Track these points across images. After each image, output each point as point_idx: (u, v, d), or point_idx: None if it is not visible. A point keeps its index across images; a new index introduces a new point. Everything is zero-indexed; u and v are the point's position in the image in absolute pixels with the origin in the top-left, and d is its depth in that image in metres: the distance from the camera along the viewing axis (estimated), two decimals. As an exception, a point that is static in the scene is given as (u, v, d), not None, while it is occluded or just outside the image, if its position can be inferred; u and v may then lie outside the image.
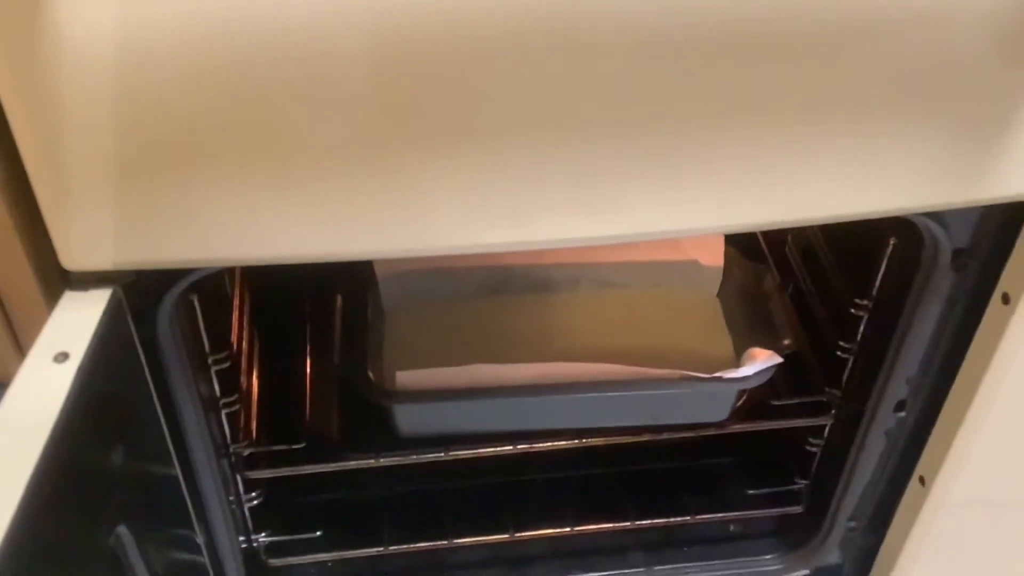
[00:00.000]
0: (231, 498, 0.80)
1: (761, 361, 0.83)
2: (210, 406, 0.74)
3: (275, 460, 0.85)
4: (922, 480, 0.83)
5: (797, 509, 0.95)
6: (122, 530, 0.56)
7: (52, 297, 0.57)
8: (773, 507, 0.95)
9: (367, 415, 0.84)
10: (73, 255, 0.56)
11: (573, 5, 0.50)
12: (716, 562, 0.95)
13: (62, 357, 0.52)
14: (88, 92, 0.50)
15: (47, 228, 0.55)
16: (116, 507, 0.57)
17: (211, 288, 0.79)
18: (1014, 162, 0.60)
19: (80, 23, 0.48)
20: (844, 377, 0.85)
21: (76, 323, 0.55)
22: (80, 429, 0.50)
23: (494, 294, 0.96)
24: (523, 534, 0.93)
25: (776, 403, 0.89)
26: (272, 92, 0.51)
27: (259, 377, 0.94)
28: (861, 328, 0.82)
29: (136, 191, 0.54)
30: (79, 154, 0.52)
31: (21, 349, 0.60)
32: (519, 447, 0.88)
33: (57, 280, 0.57)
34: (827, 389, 0.88)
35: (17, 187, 0.54)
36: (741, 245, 0.98)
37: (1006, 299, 0.70)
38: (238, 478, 0.82)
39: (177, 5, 0.48)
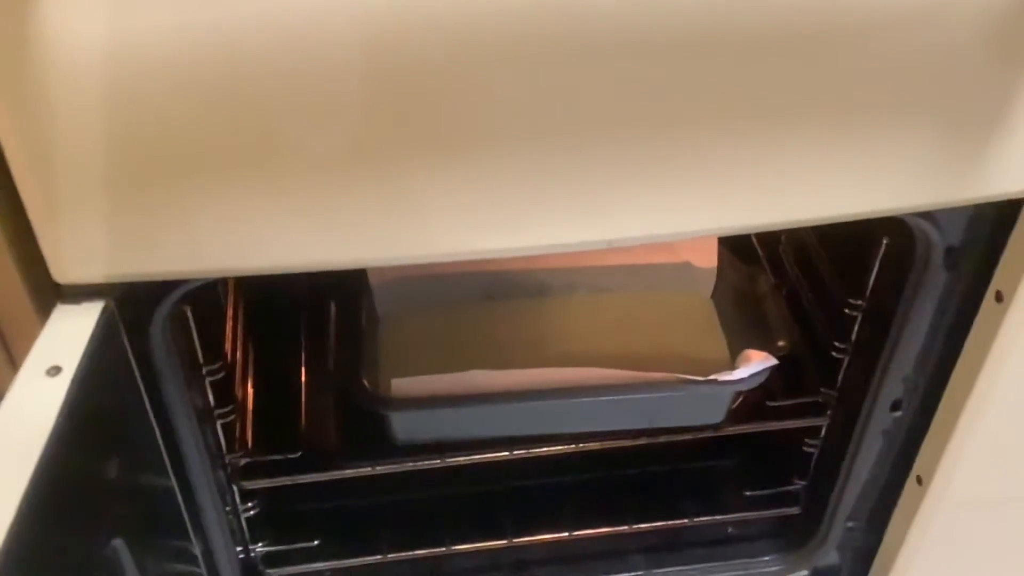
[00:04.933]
0: (227, 508, 0.80)
1: (756, 363, 0.83)
2: (205, 417, 0.74)
3: (271, 470, 0.84)
4: (919, 479, 0.83)
5: (795, 510, 0.95)
6: (118, 543, 0.56)
7: (44, 310, 0.57)
8: (771, 508, 0.95)
9: (363, 423, 0.84)
10: (64, 268, 0.56)
11: (564, 11, 0.50)
12: (715, 564, 0.94)
13: (55, 371, 0.52)
14: (78, 104, 0.50)
15: (38, 241, 0.55)
16: (112, 520, 0.56)
17: (204, 298, 0.79)
18: (1005, 160, 0.60)
19: (70, 35, 0.47)
20: (839, 377, 0.85)
21: (68, 336, 0.55)
22: (74, 443, 0.50)
23: (489, 300, 0.96)
24: (521, 539, 0.93)
25: (772, 404, 0.89)
26: (265, 102, 0.51)
27: (254, 387, 0.94)
28: (856, 328, 0.82)
29: (128, 203, 0.54)
30: (69, 166, 0.52)
31: (14, 363, 0.60)
32: (516, 453, 0.88)
33: (49, 293, 0.57)
34: (823, 390, 0.87)
35: (7, 200, 0.53)
36: (734, 246, 0.98)
37: (999, 297, 0.70)
38: (234, 488, 0.82)
39: (169, 17, 0.48)
